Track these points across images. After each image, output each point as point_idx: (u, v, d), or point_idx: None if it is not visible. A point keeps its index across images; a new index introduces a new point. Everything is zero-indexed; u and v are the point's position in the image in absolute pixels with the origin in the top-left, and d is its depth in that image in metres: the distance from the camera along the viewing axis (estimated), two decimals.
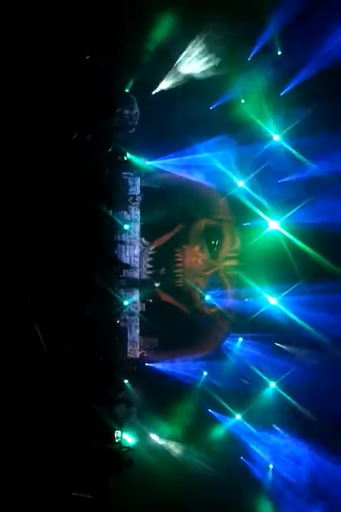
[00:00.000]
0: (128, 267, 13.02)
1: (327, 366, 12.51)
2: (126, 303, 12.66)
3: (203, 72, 12.62)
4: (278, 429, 13.06)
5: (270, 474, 12.89)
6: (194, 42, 12.10)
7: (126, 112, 12.71)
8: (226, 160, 13.31)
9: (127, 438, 10.34)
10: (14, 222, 6.93)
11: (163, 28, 11.55)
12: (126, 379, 11.33)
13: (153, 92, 12.86)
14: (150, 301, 13.42)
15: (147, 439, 12.13)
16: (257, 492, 12.38)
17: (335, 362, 12.37)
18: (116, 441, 9.12)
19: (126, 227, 12.84)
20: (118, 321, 12.46)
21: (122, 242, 13.13)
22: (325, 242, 12.50)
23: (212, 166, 13.38)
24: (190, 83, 12.69)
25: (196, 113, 12.77)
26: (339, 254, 12.47)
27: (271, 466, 12.95)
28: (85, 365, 7.98)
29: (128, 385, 11.09)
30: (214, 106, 13.02)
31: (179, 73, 12.62)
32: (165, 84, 12.68)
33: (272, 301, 13.42)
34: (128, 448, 9.36)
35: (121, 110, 12.28)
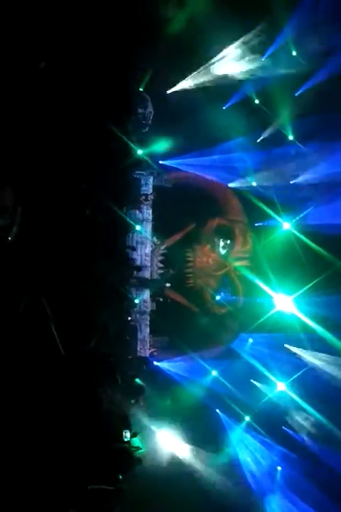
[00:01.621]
0: (139, 268, 13.04)
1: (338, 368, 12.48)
2: (136, 301, 12.73)
3: (219, 72, 12.61)
4: (288, 430, 13.06)
5: (278, 476, 12.92)
6: (210, 41, 12.10)
7: (140, 110, 12.73)
8: (240, 160, 13.31)
9: (135, 438, 10.47)
10: (28, 224, 7.05)
11: (177, 26, 11.56)
12: (136, 377, 11.40)
13: (168, 91, 12.89)
14: (161, 300, 13.49)
15: (155, 438, 12.22)
16: (265, 495, 12.44)
17: None
18: (125, 440, 9.22)
19: (137, 227, 12.90)
20: (129, 320, 12.53)
21: (134, 242, 13.20)
22: (338, 243, 12.45)
23: (225, 166, 13.41)
24: (205, 83, 12.69)
25: (210, 113, 12.80)
26: None
27: (279, 469, 12.98)
28: (96, 365, 8.10)
29: (138, 384, 11.16)
30: (227, 106, 13.02)
31: (195, 73, 12.63)
32: (180, 84, 12.70)
33: (283, 302, 13.44)
34: (137, 447, 9.46)
35: (135, 109, 12.31)
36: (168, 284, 13.42)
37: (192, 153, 12.98)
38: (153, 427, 11.99)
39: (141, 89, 12.72)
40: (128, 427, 9.39)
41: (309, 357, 12.93)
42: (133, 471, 8.68)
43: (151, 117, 12.88)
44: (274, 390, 13.12)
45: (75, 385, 6.86)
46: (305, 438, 12.87)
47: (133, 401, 10.91)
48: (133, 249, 13.00)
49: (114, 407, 8.64)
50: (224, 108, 13.09)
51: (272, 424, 12.95)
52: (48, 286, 7.07)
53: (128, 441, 9.32)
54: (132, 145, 10.60)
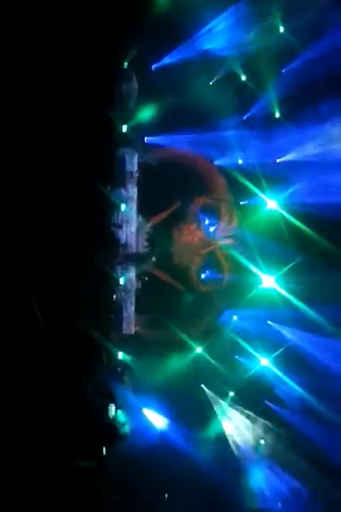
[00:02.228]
0: (125, 244, 13.03)
1: (320, 345, 12.74)
2: (121, 280, 12.74)
3: (204, 46, 12.43)
4: (270, 405, 13.35)
5: (261, 450, 13.30)
6: (195, 15, 11.89)
7: (124, 86, 12.54)
8: (226, 137, 13.23)
9: (121, 414, 10.66)
10: (8, 203, 6.98)
11: (163, 2, 11.32)
12: (121, 355, 11.53)
13: (153, 67, 12.68)
14: (146, 279, 13.52)
15: (140, 415, 12.42)
16: (244, 469, 12.82)
17: (330, 341, 12.58)
18: (111, 415, 9.37)
19: (123, 206, 12.82)
20: (114, 298, 12.57)
21: (119, 220, 13.12)
22: (323, 222, 12.56)
23: (211, 143, 13.32)
24: (190, 58, 12.50)
25: (196, 89, 12.65)
26: (337, 235, 12.55)
27: (262, 442, 13.34)
28: (79, 341, 8.17)
29: (123, 361, 11.30)
30: (213, 81, 12.87)
31: (181, 48, 12.42)
32: (165, 60, 12.50)
33: (268, 279, 13.55)
34: (123, 423, 9.63)
35: (118, 85, 12.11)
36: (153, 259, 13.40)
37: (178, 130, 12.85)
38: (138, 403, 12.18)
39: (124, 66, 12.50)
40: (113, 402, 9.52)
41: (290, 334, 13.17)
42: (118, 445, 8.85)
43: (136, 93, 12.70)
44: (258, 365, 13.33)
45: (58, 362, 6.93)
46: (287, 411, 13.21)
47: (118, 378, 11.04)
48: (119, 227, 12.93)
49: (99, 383, 8.74)
50: (210, 84, 12.94)
51: (256, 398, 13.21)
52: (30, 264, 7.06)
53: (113, 416, 9.47)
54: (116, 121, 10.45)
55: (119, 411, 9.72)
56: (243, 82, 13.06)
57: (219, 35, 12.33)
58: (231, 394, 13.34)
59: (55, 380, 6.74)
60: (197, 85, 12.77)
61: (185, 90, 12.66)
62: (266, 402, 13.29)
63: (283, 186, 13.06)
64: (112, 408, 9.41)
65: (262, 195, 13.19)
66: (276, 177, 13.10)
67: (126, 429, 9.73)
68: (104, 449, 8.18)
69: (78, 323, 8.54)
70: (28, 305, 6.82)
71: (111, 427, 8.75)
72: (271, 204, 13.19)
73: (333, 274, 12.35)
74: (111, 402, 9.47)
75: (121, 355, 11.04)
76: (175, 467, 11.68)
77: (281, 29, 12.35)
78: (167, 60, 12.55)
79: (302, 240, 12.79)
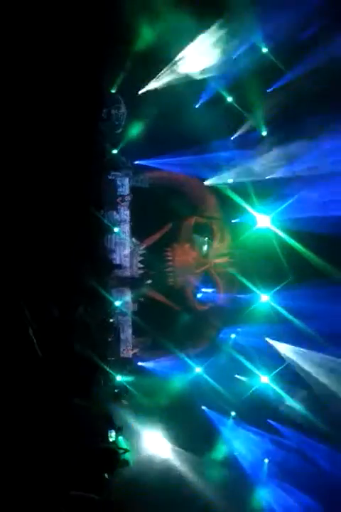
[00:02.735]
0: (119, 267, 13.02)
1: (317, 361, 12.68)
2: (117, 303, 12.68)
3: (189, 70, 12.70)
4: (273, 423, 13.20)
5: (265, 469, 13.05)
6: (181, 41, 12.19)
7: (113, 111, 12.74)
8: (215, 158, 13.42)
9: (121, 440, 10.45)
10: (4, 227, 6.97)
11: (149, 28, 11.61)
12: (120, 378, 11.38)
13: (140, 92, 12.91)
14: (142, 300, 13.48)
15: (141, 439, 12.19)
16: (252, 488, 12.54)
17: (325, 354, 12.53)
18: (111, 440, 9.17)
19: (115, 229, 12.86)
20: (111, 321, 12.49)
21: (112, 243, 13.16)
22: (314, 239, 12.64)
23: (201, 164, 13.48)
24: (175, 82, 12.77)
25: (183, 112, 12.86)
26: (328, 251, 12.63)
27: (266, 461, 13.11)
28: (76, 364, 8.04)
29: (121, 384, 11.15)
30: (198, 104, 13.12)
31: (166, 73, 12.69)
32: (152, 84, 12.76)
33: (263, 296, 13.55)
34: (124, 449, 9.41)
35: (107, 110, 12.31)
36: (149, 281, 13.39)
37: (167, 153, 13.00)
38: (139, 427, 11.96)
39: (113, 91, 12.73)
40: (113, 427, 9.33)
41: (287, 352, 13.11)
42: (120, 472, 8.62)
43: (124, 118, 12.90)
44: (258, 383, 13.24)
45: (55, 386, 6.80)
46: (290, 429, 13.04)
47: (117, 401, 10.86)
48: (113, 251, 12.91)
49: (98, 407, 8.58)
50: (196, 107, 13.18)
51: (258, 417, 13.05)
52: (25, 288, 7.00)
53: (113, 441, 9.26)
54: (106, 146, 10.57)
55: (119, 436, 9.51)
56: (229, 103, 13.31)
57: (202, 58, 12.62)
58: (233, 414, 13.22)
59: (52, 404, 6.59)
60: (185, 108, 12.97)
61: (173, 113, 12.83)
62: (269, 420, 13.21)
63: (273, 203, 13.20)
64: (112, 433, 9.21)
65: (253, 212, 13.32)
66: (266, 194, 13.23)
67: (127, 455, 9.50)
68: (105, 476, 7.94)
69: (74, 346, 8.42)
70: (23, 329, 6.72)
71: (111, 453, 8.52)
72: (262, 221, 13.32)
73: (326, 290, 12.40)
74: (111, 427, 9.27)
75: (119, 377, 10.89)
76: (181, 492, 11.40)
77: (264, 50, 12.67)
78: (153, 85, 12.79)
79: (294, 256, 12.87)
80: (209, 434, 12.76)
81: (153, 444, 12.38)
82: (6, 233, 7.09)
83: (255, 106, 13.03)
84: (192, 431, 12.30)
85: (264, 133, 13.39)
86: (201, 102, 13.13)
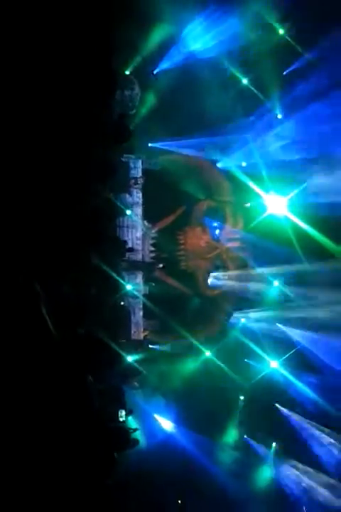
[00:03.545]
0: (131, 250, 12.98)
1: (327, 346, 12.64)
2: (129, 287, 12.75)
3: (205, 52, 12.49)
4: (280, 407, 13.24)
5: (273, 451, 13.16)
6: (197, 21, 11.97)
7: (127, 92, 12.61)
8: (229, 140, 13.26)
9: (131, 420, 10.59)
10: (13, 208, 6.95)
11: (164, 7, 11.42)
12: (131, 360, 11.51)
13: (154, 72, 12.75)
14: (153, 284, 13.48)
15: (150, 420, 12.31)
16: (259, 471, 12.67)
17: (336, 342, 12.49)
18: (120, 420, 9.29)
19: (128, 211, 12.81)
20: (122, 304, 12.55)
21: (124, 226, 13.13)
22: (328, 223, 12.51)
23: (214, 146, 13.34)
24: (193, 62, 12.58)
25: (198, 93, 12.69)
26: None
27: (274, 445, 13.20)
28: (90, 347, 8.10)
29: (133, 366, 11.28)
30: (215, 85, 12.92)
31: (181, 53, 12.50)
32: (166, 65, 12.58)
33: (275, 281, 13.50)
34: (134, 429, 9.53)
35: (121, 91, 12.19)
36: (160, 265, 13.39)
37: (180, 135, 12.88)
38: (149, 409, 12.09)
39: (127, 73, 12.58)
40: (124, 408, 9.43)
41: (297, 336, 13.08)
42: (129, 452, 8.74)
43: (138, 99, 12.76)
44: (267, 368, 13.26)
45: (69, 368, 6.87)
46: (296, 415, 13.10)
47: (127, 382, 10.97)
48: (124, 234, 12.89)
49: (108, 387, 8.67)
50: (213, 87, 12.98)
51: (266, 401, 13.07)
52: (39, 272, 7.02)
53: (123, 421, 9.37)
54: (119, 127, 10.49)
55: (129, 416, 9.63)
56: (245, 84, 13.09)
57: (218, 38, 12.40)
58: (242, 398, 13.31)
59: (63, 383, 6.65)
60: (199, 90, 12.80)
61: (187, 95, 12.70)
62: (277, 405, 13.27)
63: (288, 187, 13.05)
64: (122, 413, 9.33)
65: (266, 196, 13.18)
66: (281, 178, 13.11)
67: (137, 434, 9.61)
68: (114, 455, 8.04)
69: (86, 325, 8.49)
70: (36, 308, 6.76)
71: (121, 433, 8.64)
72: (276, 205, 13.18)
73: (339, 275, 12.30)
74: (121, 408, 9.38)
75: (130, 359, 11.05)
76: (191, 474, 11.55)
77: (281, 30, 12.40)
78: (168, 65, 12.62)
79: (309, 242, 12.73)
80: (219, 417, 12.84)
81: (163, 426, 12.54)
82: (14, 216, 7.05)
83: (271, 88, 12.79)
84: (202, 414, 12.35)
85: (280, 115, 13.16)
86: (216, 83, 12.91)
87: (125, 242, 12.69)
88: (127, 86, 12.58)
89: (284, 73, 12.83)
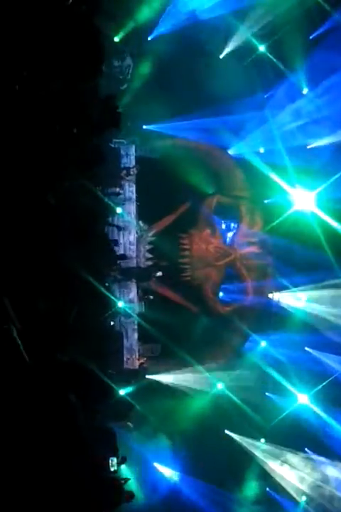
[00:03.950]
0: (123, 257, 13.05)
1: None
2: (120, 304, 12.80)
3: (211, 8, 12.56)
4: (311, 453, 13.20)
5: (302, 507, 13.09)
6: None
7: (116, 63, 12.74)
8: (243, 121, 13.35)
9: (124, 468, 10.56)
10: None
11: None
12: (123, 394, 11.53)
13: (149, 38, 12.83)
14: (151, 297, 13.52)
15: (148, 469, 12.30)
16: None
17: None
18: (111, 469, 9.28)
19: (118, 209, 12.86)
20: (112, 324, 12.59)
21: (114, 227, 13.14)
22: None
23: (225, 128, 13.43)
24: (195, 27, 12.69)
25: (204, 64, 12.81)
26: None
27: (304, 499, 13.14)
28: (73, 378, 8.10)
29: (126, 401, 11.29)
30: (224, 54, 13.03)
31: (182, 15, 12.60)
32: (164, 29, 12.68)
33: (301, 295, 13.52)
34: (126, 479, 9.54)
35: (109, 62, 12.32)
36: (159, 273, 13.44)
37: (183, 115, 12.93)
38: (147, 455, 12.07)
39: (116, 39, 12.70)
40: (115, 454, 9.44)
41: (332, 363, 13.08)
42: (122, 508, 8.73)
43: (130, 71, 12.88)
44: (294, 403, 13.24)
45: (46, 403, 6.87)
46: (331, 463, 13.05)
47: (120, 422, 10.98)
48: (115, 243, 12.97)
49: (97, 429, 8.67)
50: (221, 57, 13.09)
51: (294, 446, 13.04)
52: (8, 284, 7.06)
53: (115, 471, 9.38)
54: (106, 104, 10.56)
55: (123, 462, 9.63)
56: (262, 53, 13.20)
57: None
58: (263, 441, 13.27)
59: (42, 424, 6.65)
60: (206, 60, 12.92)
61: (191, 66, 12.81)
62: (307, 450, 13.23)
63: (317, 179, 13.12)
64: (113, 461, 9.31)
65: (291, 190, 13.24)
66: (308, 167, 13.16)
67: (132, 487, 9.60)
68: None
69: (69, 354, 8.49)
70: (8, 334, 6.79)
71: (112, 485, 8.62)
72: (303, 201, 13.23)
73: None
74: (112, 454, 9.36)
75: (123, 392, 11.04)
76: None
77: None
78: (166, 29, 12.72)
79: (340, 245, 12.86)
80: (235, 465, 12.78)
81: (165, 477, 12.51)
82: None
83: (295, 57, 12.88)
84: (214, 461, 12.33)
85: (305, 90, 13.24)
86: (227, 51, 13.02)
87: (115, 247, 12.73)
88: (116, 56, 12.68)
89: (310, 37, 12.92)
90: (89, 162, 9.87)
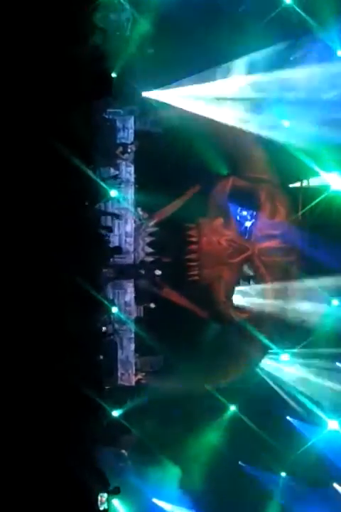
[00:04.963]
0: (118, 251, 13.07)
1: None
2: (114, 309, 12.80)
3: None
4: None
5: None
6: None
7: (112, 17, 12.77)
8: (263, 89, 13.35)
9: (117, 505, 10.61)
10: None
11: None
12: (117, 416, 11.62)
13: None
14: (152, 306, 13.57)
15: (147, 505, 12.34)
16: None
17: None
18: (101, 508, 9.35)
19: (113, 192, 12.85)
20: (104, 331, 12.59)
21: (108, 215, 13.17)
22: None
23: (241, 97, 13.43)
24: None
25: (217, 19, 12.79)
26: None
27: None
28: (58, 396, 8.22)
29: (120, 424, 11.38)
30: (243, 8, 13.03)
31: None
32: None
33: (333, 300, 13.51)
34: None
35: (104, 14, 12.34)
36: (158, 272, 13.49)
37: (191, 79, 12.94)
38: (143, 488, 12.08)
39: None
40: (106, 487, 9.53)
41: None
42: None
43: (129, 26, 12.88)
44: (322, 430, 13.28)
45: (25, 425, 6.99)
46: None
47: (113, 448, 11.07)
48: (109, 230, 13.03)
49: (86, 458, 8.78)
50: (239, 11, 13.06)
51: (319, 480, 13.10)
52: None
53: (105, 510, 9.47)
54: (99, 65, 10.58)
55: (115, 499, 9.70)
56: (288, 6, 13.20)
57: None
58: (283, 475, 13.33)
59: (24, 453, 6.79)
60: (219, 13, 12.91)
61: (202, 21, 12.81)
62: (336, 486, 13.29)
63: None
64: (103, 496, 9.37)
65: (322, 173, 13.27)
66: None
67: None
68: None
69: (53, 369, 8.58)
70: None
71: None
72: (337, 186, 13.25)
73: None
74: (102, 488, 9.44)
75: (116, 414, 11.09)
76: None
77: None
78: None
79: None
80: (249, 504, 12.83)
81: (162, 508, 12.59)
82: None
83: (327, 11, 12.88)
84: (224, 498, 12.44)
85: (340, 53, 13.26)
86: (245, 3, 13.00)
87: (109, 238, 12.69)
88: (112, 7, 12.68)
89: None
90: (79, 138, 9.94)
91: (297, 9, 13.19)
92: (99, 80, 10.51)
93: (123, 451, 12.01)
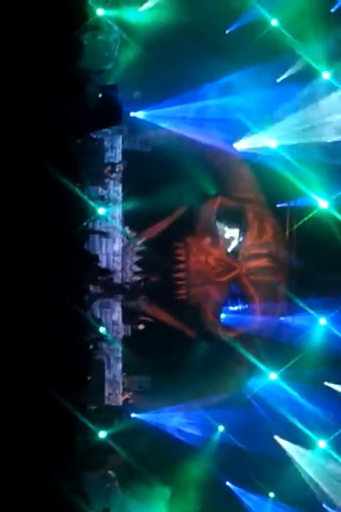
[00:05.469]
0: (106, 272, 13.08)
1: None
2: (102, 329, 12.76)
3: None
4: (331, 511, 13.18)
5: None
6: None
7: (100, 38, 12.83)
8: (251, 110, 13.43)
9: None
10: None
11: None
12: (103, 437, 11.54)
13: (141, 9, 12.93)
14: (141, 327, 13.53)
15: None
16: None
17: None
18: None
19: (101, 210, 12.91)
20: (90, 349, 12.50)
21: (95, 234, 13.19)
22: None
23: (229, 118, 13.49)
24: None
25: (206, 41, 12.85)
26: None
27: None
28: (41, 417, 8.14)
29: (107, 446, 11.29)
30: (231, 29, 13.11)
31: None
32: None
33: (320, 320, 13.50)
34: None
35: (93, 35, 12.40)
36: (145, 291, 13.47)
37: (181, 101, 13.07)
38: (133, 511, 11.99)
39: (101, 11, 12.78)
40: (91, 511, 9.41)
41: None
42: None
43: (117, 47, 12.97)
44: (310, 449, 13.24)
45: (8, 445, 6.90)
46: None
47: (99, 471, 10.97)
48: (97, 259, 13.02)
49: (71, 480, 8.66)
50: (227, 32, 13.16)
51: (309, 504, 12.98)
52: None
53: None
54: (86, 85, 10.65)
55: None
56: (274, 28, 13.32)
57: None
58: (272, 495, 13.24)
59: (7, 474, 6.69)
60: (209, 35, 13.01)
61: (190, 42, 12.90)
62: (327, 508, 13.19)
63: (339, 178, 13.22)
64: None
65: (309, 194, 13.27)
66: (330, 165, 13.20)
67: None
68: None
69: (39, 389, 8.51)
70: None
71: None
72: (323, 206, 13.23)
73: None
74: (88, 510, 9.30)
75: (103, 435, 11.02)
76: None
77: None
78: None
79: None
80: None
81: None
82: None
83: (312, 33, 13.01)
84: None
85: (326, 74, 13.36)
86: (234, 26, 13.10)
87: (96, 258, 12.69)
88: (100, 29, 12.77)
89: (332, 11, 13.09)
90: (66, 156, 9.96)
91: (283, 31, 13.32)
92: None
93: (110, 472, 11.88)
